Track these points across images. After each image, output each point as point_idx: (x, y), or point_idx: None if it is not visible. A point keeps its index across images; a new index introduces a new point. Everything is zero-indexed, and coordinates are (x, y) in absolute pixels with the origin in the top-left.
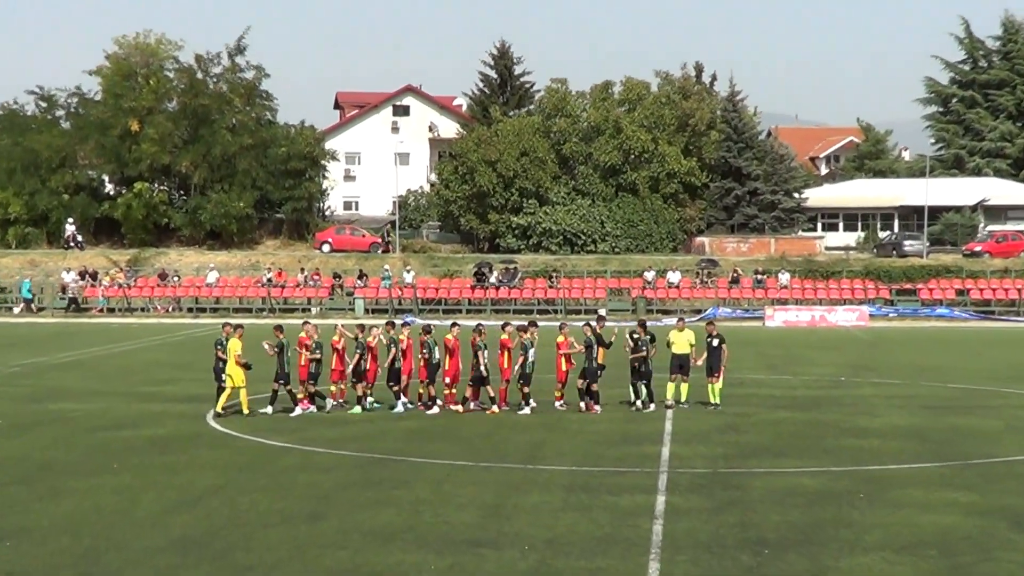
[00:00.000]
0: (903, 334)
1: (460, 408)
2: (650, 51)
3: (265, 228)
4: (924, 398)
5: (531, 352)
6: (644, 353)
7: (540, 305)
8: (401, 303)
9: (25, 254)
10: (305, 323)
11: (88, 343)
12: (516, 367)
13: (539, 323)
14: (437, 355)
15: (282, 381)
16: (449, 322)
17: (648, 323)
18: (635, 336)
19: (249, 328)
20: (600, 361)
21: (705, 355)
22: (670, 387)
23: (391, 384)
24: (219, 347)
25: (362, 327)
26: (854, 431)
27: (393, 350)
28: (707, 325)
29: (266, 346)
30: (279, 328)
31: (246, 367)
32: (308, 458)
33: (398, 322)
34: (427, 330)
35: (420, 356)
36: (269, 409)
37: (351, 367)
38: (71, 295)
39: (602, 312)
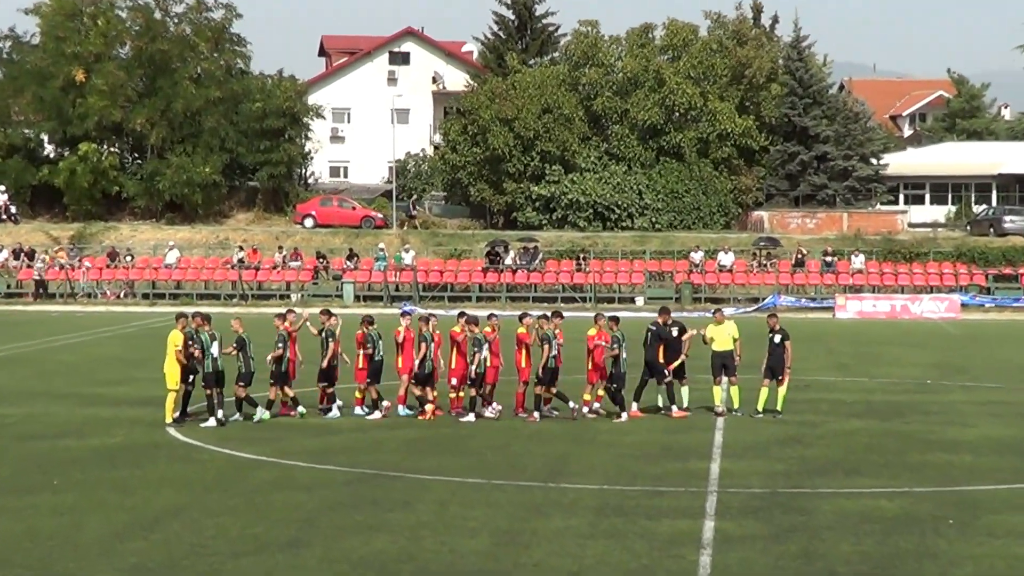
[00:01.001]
0: (1001, 328)
1: (472, 416)
2: None
3: (236, 199)
4: None
5: (555, 345)
6: (616, 352)
7: (565, 292)
8: (399, 289)
9: None
10: (289, 311)
11: (23, 335)
12: (544, 361)
13: (564, 314)
14: (381, 351)
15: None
16: (456, 312)
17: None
18: (667, 326)
19: (218, 320)
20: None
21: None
22: (716, 392)
23: (323, 384)
24: (191, 342)
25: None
26: (942, 444)
27: (332, 345)
28: (768, 318)
29: (313, 330)
30: (327, 312)
31: (189, 369)
32: (287, 473)
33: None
34: (368, 321)
35: (359, 352)
36: (301, 409)
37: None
38: (37, 277)
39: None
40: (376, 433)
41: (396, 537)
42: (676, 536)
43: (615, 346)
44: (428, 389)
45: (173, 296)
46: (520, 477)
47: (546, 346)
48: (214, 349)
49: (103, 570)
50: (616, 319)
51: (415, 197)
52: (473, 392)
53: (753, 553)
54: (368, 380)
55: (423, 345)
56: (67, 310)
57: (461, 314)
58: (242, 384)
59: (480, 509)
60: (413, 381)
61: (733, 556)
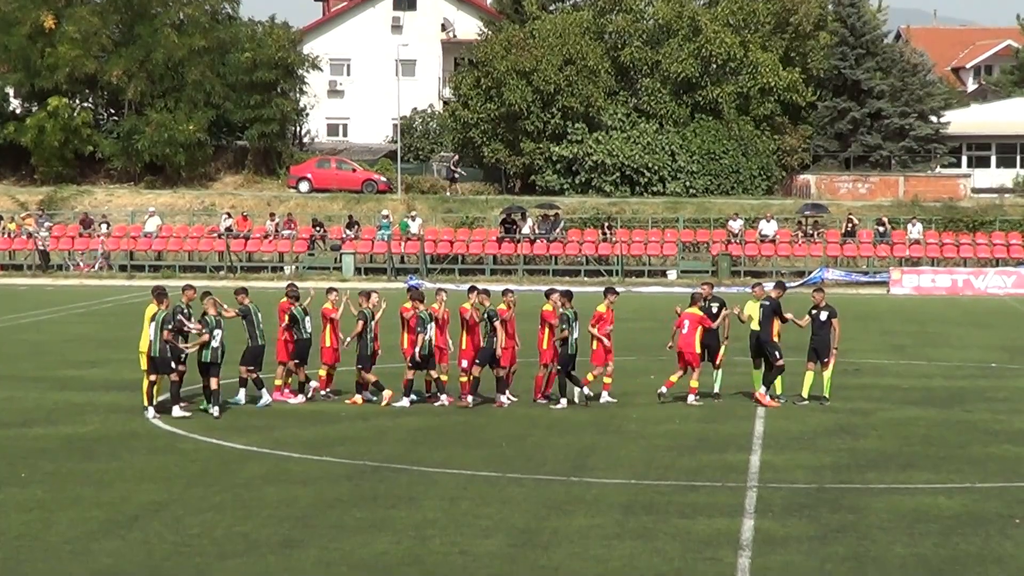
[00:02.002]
0: None
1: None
2: None
3: (223, 160)
4: None
5: (575, 327)
6: (566, 333)
7: (589, 264)
8: (404, 260)
9: None
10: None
11: None
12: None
13: (586, 288)
14: (309, 328)
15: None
16: (467, 286)
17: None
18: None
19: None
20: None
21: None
22: (756, 376)
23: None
24: (180, 316)
25: (367, 294)
26: (1008, 435)
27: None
28: (814, 293)
29: (353, 309)
30: (366, 294)
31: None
32: (280, 466)
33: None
34: (292, 295)
35: (281, 330)
36: (357, 398)
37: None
38: (40, 247)
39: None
40: (379, 422)
41: (400, 537)
42: (712, 536)
43: (564, 326)
44: (430, 372)
45: (153, 268)
46: (539, 470)
47: (565, 331)
48: (216, 333)
49: (75, 572)
50: (569, 295)
51: (456, 157)
52: (410, 375)
53: (797, 556)
54: (295, 360)
55: (361, 323)
56: (35, 283)
57: (472, 288)
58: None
59: (494, 506)
60: (410, 365)
61: (775, 559)
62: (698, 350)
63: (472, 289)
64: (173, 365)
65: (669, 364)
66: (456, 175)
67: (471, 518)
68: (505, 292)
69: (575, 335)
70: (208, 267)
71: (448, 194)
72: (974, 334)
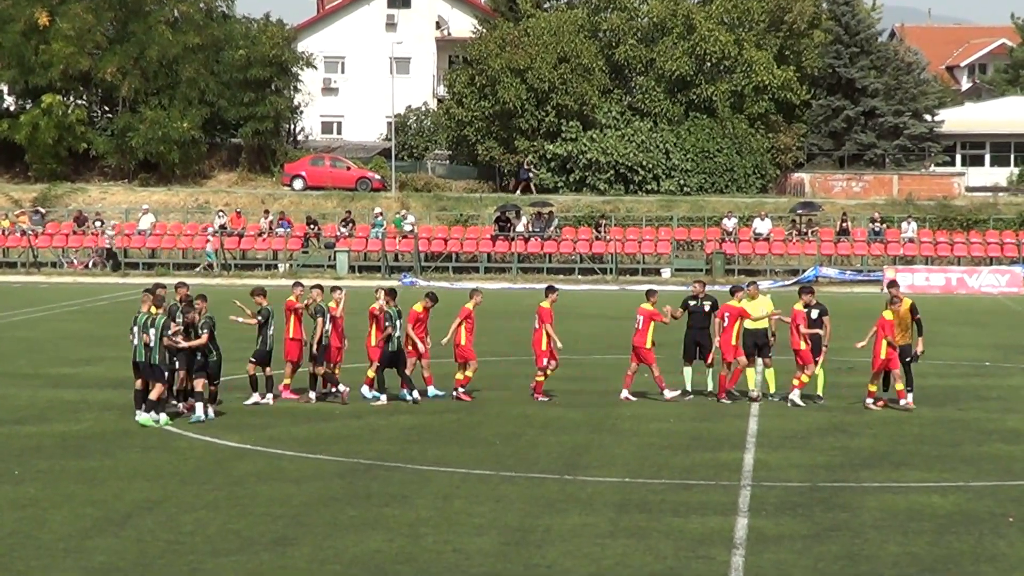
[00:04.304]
0: None
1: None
2: None
3: (217, 157)
4: None
5: (399, 324)
6: (391, 331)
7: (583, 262)
8: (398, 258)
9: None
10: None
11: None
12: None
13: (580, 287)
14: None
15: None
16: (457, 285)
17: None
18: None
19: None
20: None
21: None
22: (750, 375)
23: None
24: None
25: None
26: (1001, 434)
27: (320, 321)
28: (803, 292)
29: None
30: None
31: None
32: (273, 464)
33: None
34: (202, 297)
35: (287, 329)
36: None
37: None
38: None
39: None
40: (373, 420)
41: (393, 535)
42: (705, 535)
43: (388, 324)
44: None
45: (147, 266)
46: (532, 469)
47: (320, 319)
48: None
49: (68, 569)
50: (393, 293)
51: (529, 157)
52: (319, 371)
53: (790, 554)
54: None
55: (388, 324)
56: (29, 281)
57: (475, 291)
58: (254, 361)
59: (487, 504)
60: (379, 364)
61: (768, 557)
62: (649, 345)
63: (476, 292)
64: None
65: (662, 362)
66: (530, 175)
67: (464, 516)
68: (378, 289)
69: (398, 333)
70: (201, 265)
71: (521, 194)
72: (968, 333)
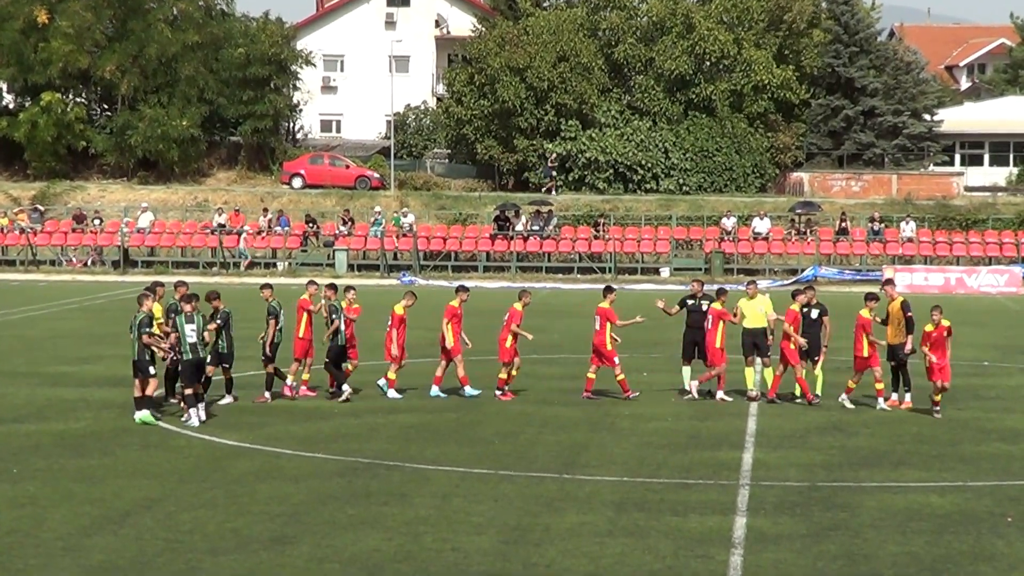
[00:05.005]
0: None
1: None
2: None
3: (216, 155)
4: None
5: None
6: (337, 324)
7: (582, 261)
8: (397, 257)
9: None
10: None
11: None
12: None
13: (579, 286)
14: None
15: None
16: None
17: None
18: (696, 298)
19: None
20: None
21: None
22: (748, 374)
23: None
24: (172, 316)
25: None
26: (1000, 433)
27: (335, 321)
28: (804, 291)
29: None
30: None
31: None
32: (272, 462)
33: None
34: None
35: (298, 327)
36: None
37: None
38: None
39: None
40: (372, 418)
41: (392, 534)
42: (704, 534)
43: (335, 317)
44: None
45: (146, 264)
46: (531, 468)
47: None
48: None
49: (67, 568)
50: (333, 287)
51: (554, 155)
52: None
53: (789, 554)
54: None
55: (335, 319)
56: (28, 279)
57: (523, 292)
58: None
59: (486, 503)
60: (327, 359)
61: (767, 557)
62: (610, 347)
63: (524, 293)
64: (152, 371)
65: (660, 362)
66: (552, 174)
67: (463, 515)
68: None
69: (343, 327)
70: (200, 263)
71: (545, 193)
72: (966, 332)
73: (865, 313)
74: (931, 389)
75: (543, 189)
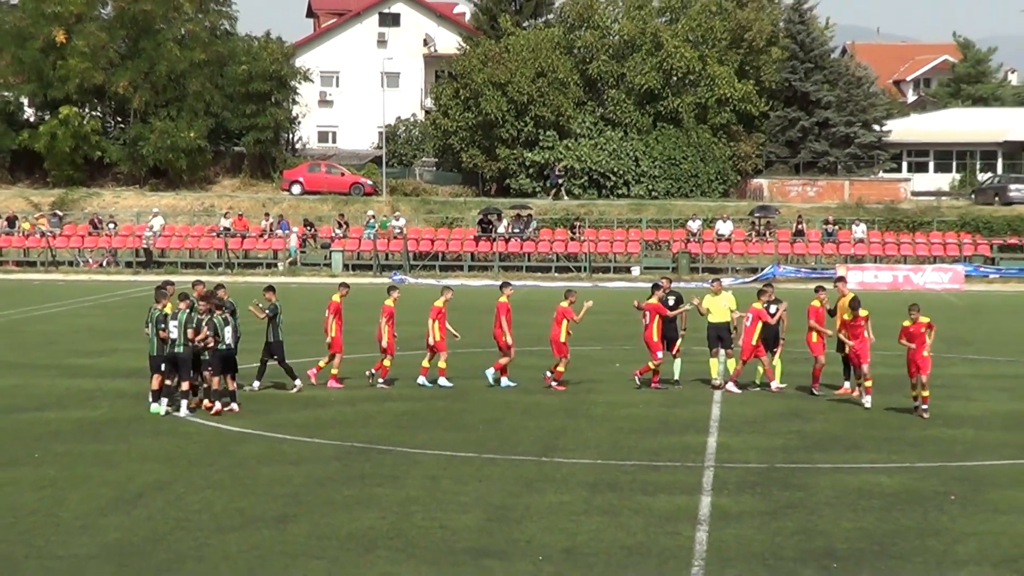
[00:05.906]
0: (1007, 300)
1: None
2: None
3: (221, 164)
4: None
5: (280, 319)
6: (269, 316)
7: (559, 261)
8: (388, 257)
9: None
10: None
11: (1, 304)
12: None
13: (555, 284)
14: (228, 340)
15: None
16: (443, 283)
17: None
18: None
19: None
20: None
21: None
22: (713, 364)
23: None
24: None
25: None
26: (944, 419)
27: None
28: (764, 288)
29: (251, 309)
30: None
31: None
32: (274, 447)
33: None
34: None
35: (327, 324)
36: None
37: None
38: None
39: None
40: (367, 406)
41: (385, 513)
42: (672, 512)
43: (270, 312)
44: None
45: (157, 264)
46: (513, 451)
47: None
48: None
49: (85, 545)
50: (272, 288)
51: (560, 161)
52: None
53: (750, 530)
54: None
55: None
56: (48, 278)
57: (505, 284)
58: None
59: (472, 484)
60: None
61: (729, 532)
62: (563, 340)
63: (506, 285)
64: (163, 367)
65: (633, 353)
66: (560, 181)
67: (451, 495)
68: (217, 286)
69: (280, 322)
70: (207, 263)
71: (553, 201)
72: None
73: (816, 303)
74: (917, 386)
75: (551, 194)
